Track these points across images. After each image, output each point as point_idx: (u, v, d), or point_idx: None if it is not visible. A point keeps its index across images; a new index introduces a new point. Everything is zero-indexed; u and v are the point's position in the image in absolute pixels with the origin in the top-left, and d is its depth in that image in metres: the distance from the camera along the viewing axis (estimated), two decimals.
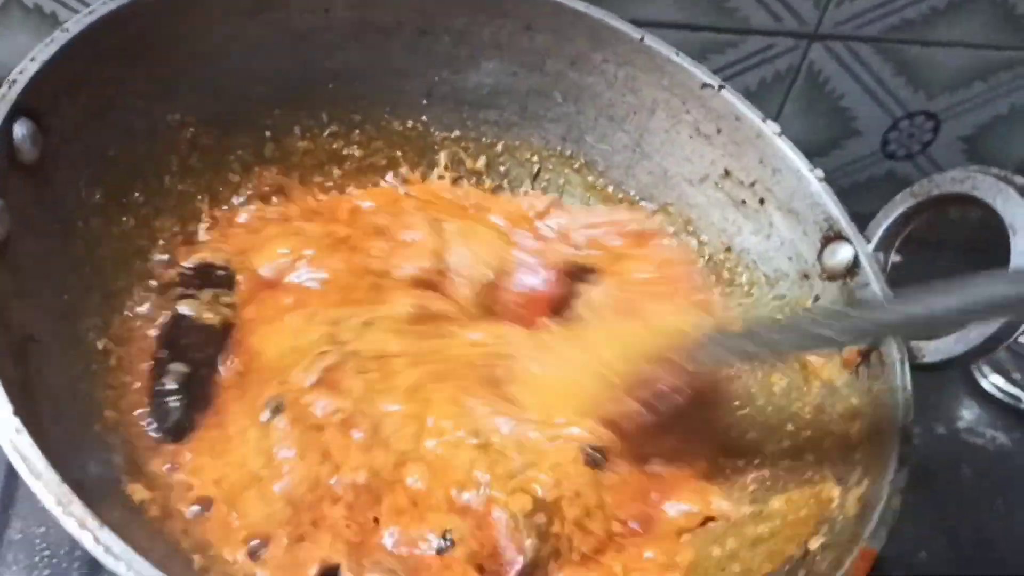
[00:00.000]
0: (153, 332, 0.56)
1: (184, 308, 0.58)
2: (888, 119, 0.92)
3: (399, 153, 0.70)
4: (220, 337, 0.57)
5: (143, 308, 0.57)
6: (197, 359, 0.56)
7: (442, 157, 0.70)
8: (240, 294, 0.59)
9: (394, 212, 0.67)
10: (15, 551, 0.55)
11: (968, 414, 0.78)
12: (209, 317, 0.58)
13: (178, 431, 0.53)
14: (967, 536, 0.69)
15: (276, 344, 0.57)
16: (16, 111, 0.47)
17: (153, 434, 0.52)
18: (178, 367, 0.55)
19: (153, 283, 0.58)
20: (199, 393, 0.55)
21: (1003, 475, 0.74)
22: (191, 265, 0.60)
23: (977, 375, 0.80)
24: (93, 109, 0.53)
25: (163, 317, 0.57)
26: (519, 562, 0.51)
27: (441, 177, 0.71)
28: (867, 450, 0.52)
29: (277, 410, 0.53)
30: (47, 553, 0.55)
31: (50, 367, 0.47)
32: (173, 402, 0.54)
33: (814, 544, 0.50)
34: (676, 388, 0.55)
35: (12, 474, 0.56)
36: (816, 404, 0.58)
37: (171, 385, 0.55)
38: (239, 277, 0.60)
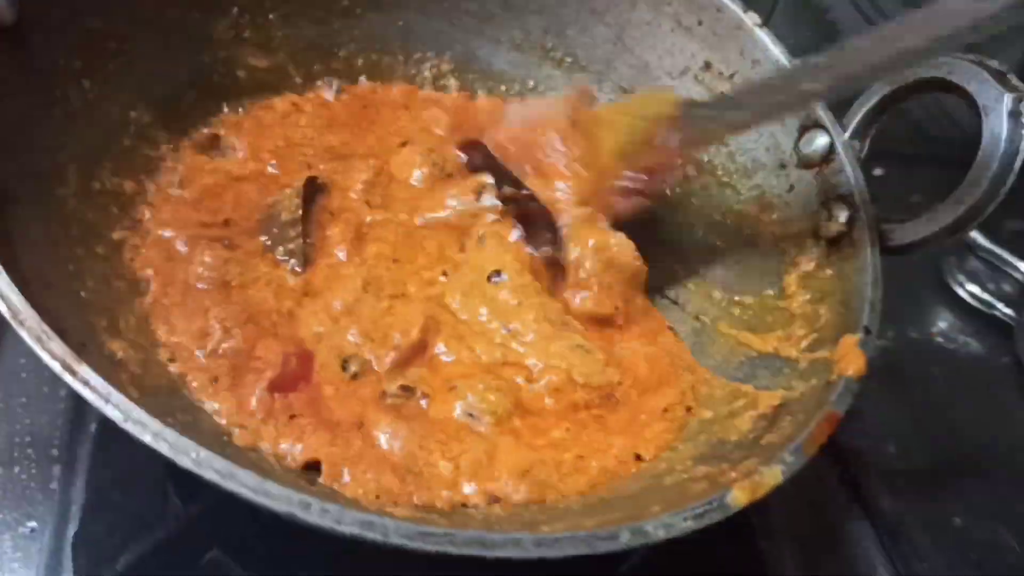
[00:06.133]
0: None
1: None
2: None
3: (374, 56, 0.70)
4: None
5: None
6: None
7: None
8: None
9: None
10: None
11: (942, 322, 0.80)
12: None
13: None
14: (935, 432, 0.70)
15: None
16: None
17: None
18: None
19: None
20: None
21: (973, 378, 0.76)
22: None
23: (953, 284, 0.81)
24: None
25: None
26: None
27: None
28: (834, 325, 0.53)
29: None
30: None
31: (30, 228, 0.47)
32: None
33: None
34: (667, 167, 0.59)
35: None
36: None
37: None
38: None
